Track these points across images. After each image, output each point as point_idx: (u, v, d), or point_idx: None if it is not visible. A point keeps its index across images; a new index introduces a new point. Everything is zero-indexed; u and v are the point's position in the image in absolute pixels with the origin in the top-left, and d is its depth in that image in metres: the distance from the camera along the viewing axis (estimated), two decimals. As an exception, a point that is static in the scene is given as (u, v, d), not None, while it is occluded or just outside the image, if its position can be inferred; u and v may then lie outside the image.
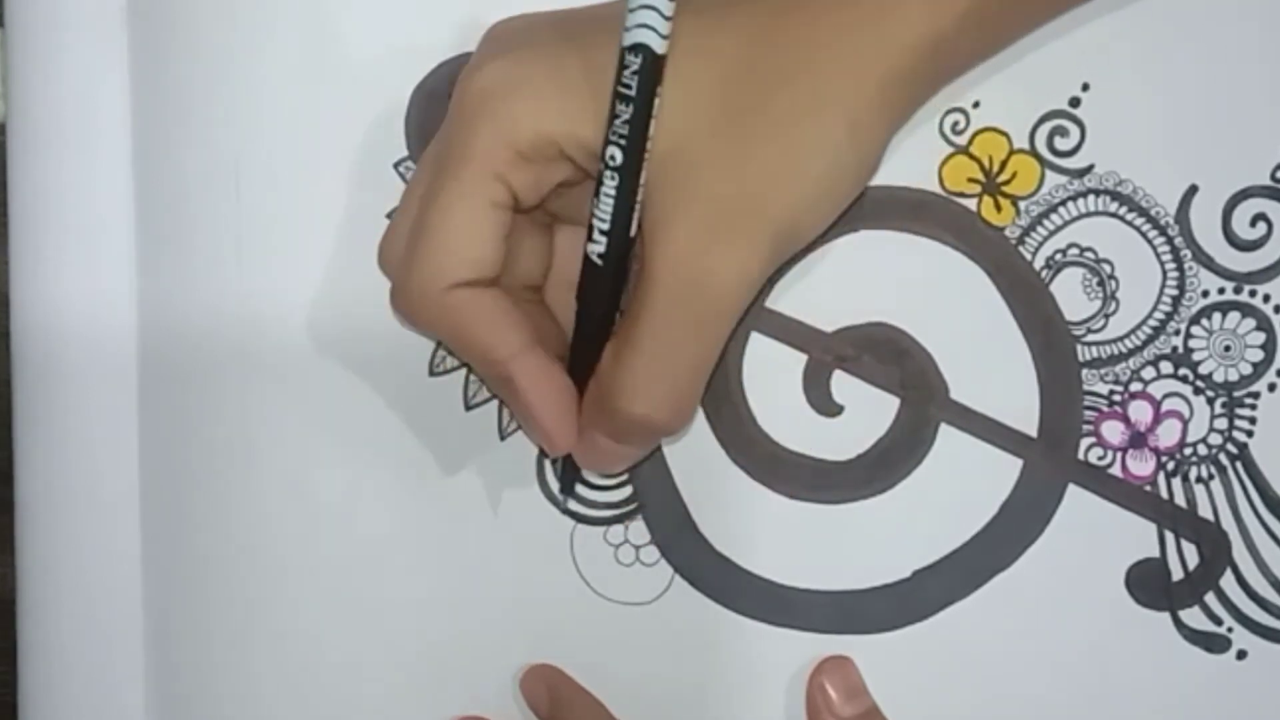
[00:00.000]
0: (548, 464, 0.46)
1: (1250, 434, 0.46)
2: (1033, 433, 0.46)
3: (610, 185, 0.37)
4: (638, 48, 0.36)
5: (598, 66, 0.38)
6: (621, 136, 0.37)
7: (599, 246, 0.39)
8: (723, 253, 0.38)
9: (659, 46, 0.36)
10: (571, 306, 0.41)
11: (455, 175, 0.38)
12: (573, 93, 0.38)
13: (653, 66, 0.36)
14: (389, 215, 0.45)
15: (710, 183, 0.38)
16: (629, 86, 0.36)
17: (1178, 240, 0.46)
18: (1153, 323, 0.46)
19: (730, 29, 0.39)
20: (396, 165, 0.45)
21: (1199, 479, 0.46)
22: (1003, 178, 0.46)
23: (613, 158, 0.37)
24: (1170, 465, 0.46)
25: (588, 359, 0.41)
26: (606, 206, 0.38)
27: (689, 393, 0.40)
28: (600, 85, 0.37)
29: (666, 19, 0.35)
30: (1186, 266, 0.46)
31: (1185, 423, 0.46)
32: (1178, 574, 0.46)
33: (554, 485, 0.46)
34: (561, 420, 0.40)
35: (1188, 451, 0.46)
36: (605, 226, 0.38)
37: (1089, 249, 0.46)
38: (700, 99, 0.38)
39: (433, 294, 0.39)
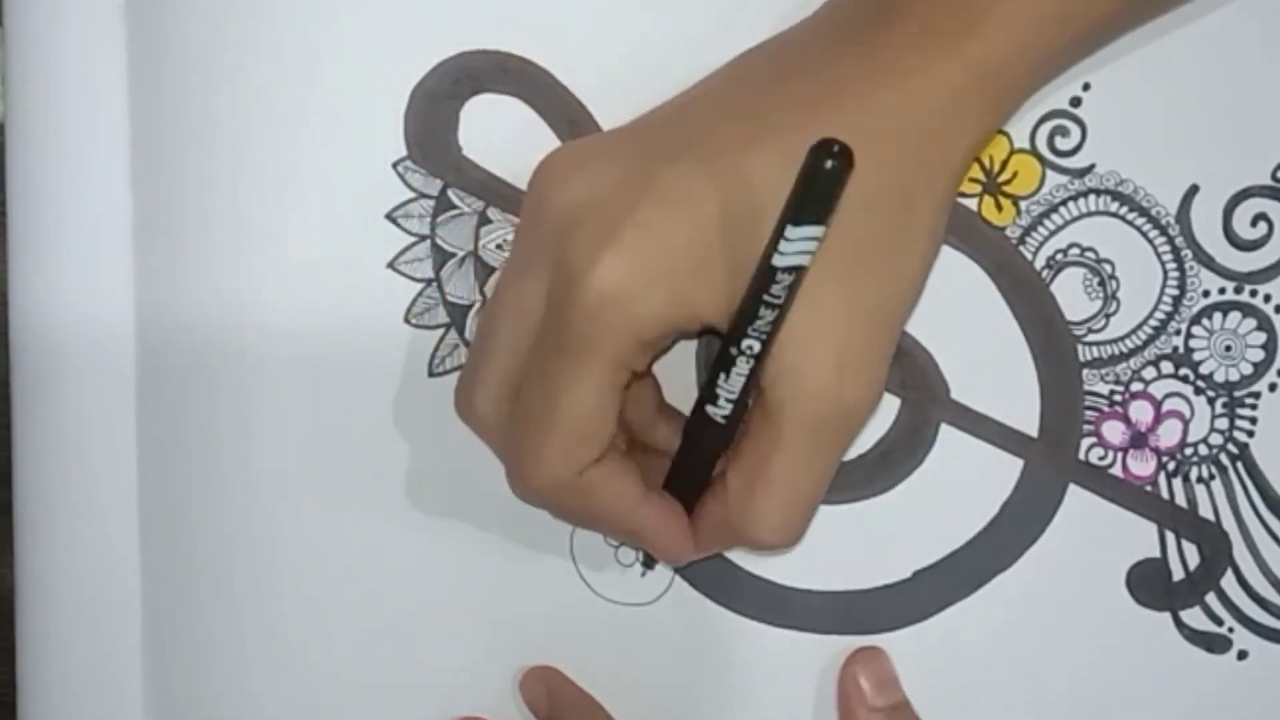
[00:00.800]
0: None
1: (1251, 434, 0.46)
2: (1033, 433, 0.46)
3: (744, 368, 0.39)
4: (793, 269, 0.36)
5: (713, 234, 0.38)
6: (763, 333, 0.38)
7: (723, 410, 0.40)
8: (856, 384, 0.39)
9: (810, 261, 0.37)
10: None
11: (583, 369, 0.38)
12: (697, 276, 0.38)
13: (801, 276, 0.37)
14: (388, 216, 0.45)
15: (830, 325, 0.39)
16: (778, 297, 0.37)
17: (1178, 240, 0.46)
18: (1153, 323, 0.46)
19: None
20: (395, 165, 0.45)
21: (1200, 479, 0.46)
22: (1003, 177, 0.46)
23: (750, 348, 0.38)
24: (1171, 465, 0.46)
25: (694, 482, 0.42)
26: (737, 383, 0.39)
27: (815, 511, 0.42)
28: (718, 254, 0.38)
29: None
30: (1187, 266, 0.46)
31: (1186, 423, 0.46)
32: (1178, 574, 0.46)
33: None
34: (679, 548, 0.42)
35: (1188, 451, 0.46)
36: (733, 398, 0.39)
37: (1090, 249, 0.46)
38: None
39: (567, 481, 0.40)
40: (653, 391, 0.44)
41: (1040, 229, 0.46)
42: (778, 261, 0.36)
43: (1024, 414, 0.46)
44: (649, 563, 0.46)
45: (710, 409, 0.40)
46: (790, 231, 0.35)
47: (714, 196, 0.38)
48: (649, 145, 0.40)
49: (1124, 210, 0.46)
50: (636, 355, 0.39)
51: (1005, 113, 0.41)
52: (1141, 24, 0.44)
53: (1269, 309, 0.46)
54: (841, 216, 0.37)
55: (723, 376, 0.39)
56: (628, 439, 0.43)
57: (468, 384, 0.42)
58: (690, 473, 0.42)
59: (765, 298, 0.37)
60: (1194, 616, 0.46)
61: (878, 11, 0.41)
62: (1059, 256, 0.46)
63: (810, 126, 0.36)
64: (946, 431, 0.46)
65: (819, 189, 0.35)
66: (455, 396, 0.42)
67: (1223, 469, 0.46)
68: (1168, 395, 0.46)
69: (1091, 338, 0.46)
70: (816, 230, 0.36)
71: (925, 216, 0.40)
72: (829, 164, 0.34)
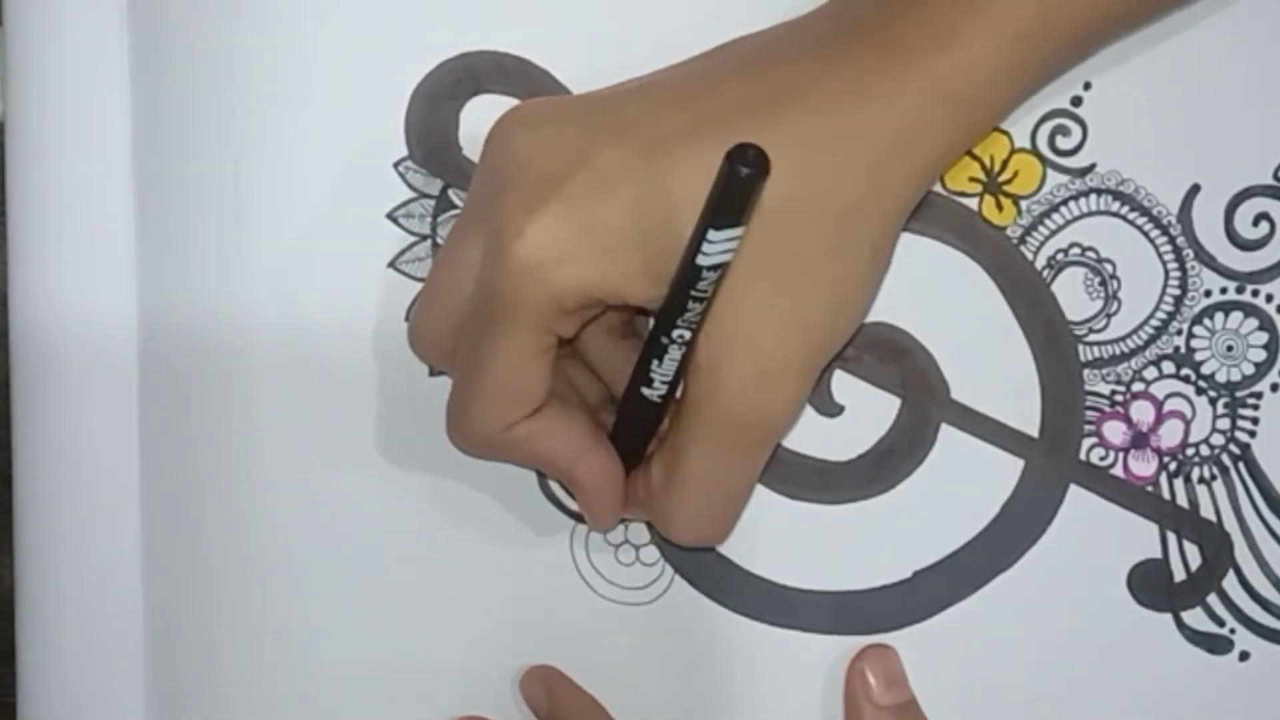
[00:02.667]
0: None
1: (1253, 434, 0.46)
2: (1034, 433, 0.46)
3: (676, 354, 0.39)
4: (719, 266, 0.37)
5: (641, 220, 0.38)
6: (691, 324, 0.38)
7: (658, 392, 0.40)
8: (775, 394, 0.40)
9: (732, 258, 0.37)
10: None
11: (505, 332, 0.39)
12: (618, 257, 0.39)
13: (725, 272, 0.37)
14: (389, 215, 0.45)
15: (755, 331, 0.39)
16: (705, 292, 0.37)
17: (1180, 240, 0.46)
18: (1155, 322, 0.46)
19: None
20: (396, 165, 0.45)
21: (1201, 479, 0.46)
22: (1004, 177, 0.46)
23: (681, 337, 0.39)
24: (1172, 466, 0.46)
25: (627, 460, 0.42)
26: (670, 368, 0.40)
27: (736, 513, 0.43)
28: (644, 239, 0.38)
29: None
30: (1189, 266, 0.46)
31: (1187, 423, 0.46)
32: (1180, 575, 0.46)
33: (554, 485, 0.46)
34: (613, 511, 0.43)
35: (1190, 452, 0.46)
36: (667, 379, 0.40)
37: (1091, 248, 0.46)
38: (743, 241, 0.38)
39: (493, 435, 0.41)
40: (599, 386, 0.44)
41: (1041, 229, 0.46)
42: (701, 261, 0.36)
43: (1025, 414, 0.46)
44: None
45: (645, 391, 0.40)
46: (711, 234, 0.36)
47: (643, 182, 0.38)
48: (597, 119, 0.40)
49: (1125, 210, 0.46)
50: (559, 321, 0.39)
51: (968, 134, 0.41)
52: (1120, 39, 0.44)
53: (1271, 309, 0.46)
54: (778, 223, 0.38)
55: (655, 362, 0.39)
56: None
57: (418, 318, 0.43)
58: (624, 450, 0.42)
59: (693, 293, 0.37)
60: (1195, 617, 0.46)
61: (850, 21, 0.41)
62: (1060, 256, 0.46)
63: (755, 126, 0.37)
64: (947, 431, 0.46)
65: (735, 194, 0.35)
66: (408, 332, 0.43)
67: (1224, 469, 0.46)
68: (1169, 395, 0.46)
69: (1092, 338, 0.46)
70: (736, 232, 0.36)
71: (867, 232, 0.40)
72: (744, 171, 0.34)
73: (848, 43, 0.40)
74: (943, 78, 0.39)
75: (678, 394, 0.41)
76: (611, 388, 0.44)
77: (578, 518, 0.46)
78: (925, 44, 0.39)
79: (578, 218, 0.38)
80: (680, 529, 0.42)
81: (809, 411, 0.46)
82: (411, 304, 0.45)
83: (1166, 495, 0.46)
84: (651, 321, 0.40)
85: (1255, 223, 0.46)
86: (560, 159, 0.39)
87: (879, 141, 0.39)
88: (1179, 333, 0.46)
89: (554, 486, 0.46)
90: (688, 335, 0.39)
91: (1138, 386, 0.46)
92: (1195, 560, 0.46)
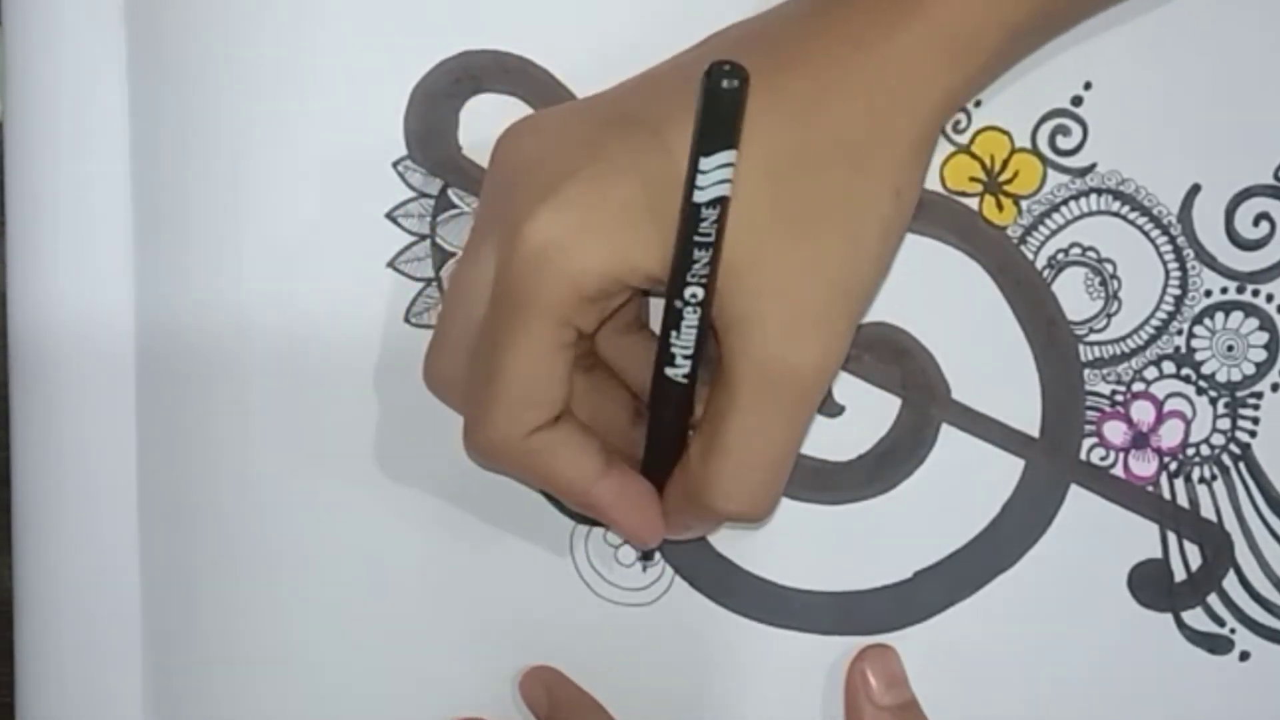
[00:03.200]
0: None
1: (1253, 434, 0.46)
2: (1034, 433, 0.46)
3: (692, 319, 0.38)
4: (716, 201, 0.36)
5: (655, 191, 0.38)
6: (702, 278, 0.37)
7: (682, 369, 0.39)
8: (807, 346, 0.39)
9: (730, 190, 0.36)
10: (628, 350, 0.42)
11: (524, 327, 0.38)
12: (635, 229, 0.38)
13: (725, 209, 0.36)
14: (388, 215, 0.45)
15: (780, 280, 0.38)
16: (708, 235, 0.36)
17: (1180, 240, 0.46)
18: (1155, 322, 0.46)
19: (765, 118, 0.38)
20: (395, 165, 0.45)
21: (1202, 479, 0.46)
22: (1004, 177, 0.46)
23: (694, 295, 0.37)
24: (1173, 466, 0.46)
25: (666, 457, 0.41)
26: (689, 337, 0.38)
27: (780, 483, 0.41)
28: (659, 209, 0.38)
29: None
30: (1189, 266, 0.46)
31: (1188, 423, 0.46)
32: (1180, 575, 0.46)
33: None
34: (647, 525, 0.41)
35: (1190, 452, 0.46)
36: (689, 353, 0.39)
37: (1091, 248, 0.46)
38: (752, 196, 0.38)
39: (514, 442, 0.40)
40: (628, 398, 0.43)
41: (1041, 228, 0.46)
42: (698, 197, 0.35)
43: (1025, 414, 0.46)
44: (646, 555, 0.45)
45: (669, 371, 0.39)
46: (703, 163, 0.35)
47: (653, 155, 0.38)
48: (601, 112, 0.40)
49: (1125, 210, 0.46)
50: (579, 310, 0.38)
51: (971, 77, 0.40)
52: (1116, 2, 0.44)
53: (1271, 309, 0.46)
54: (789, 168, 0.37)
55: (674, 334, 0.38)
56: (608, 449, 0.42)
57: (432, 353, 0.42)
58: (661, 447, 0.41)
59: (695, 238, 0.36)
60: (1196, 618, 0.46)
61: None
62: (1060, 256, 0.46)
63: (759, 92, 0.36)
64: (947, 431, 0.46)
65: (720, 113, 0.34)
66: (424, 370, 0.42)
67: (1225, 469, 0.46)
68: (1169, 395, 0.46)
69: (1093, 337, 0.46)
70: (728, 156, 0.35)
71: (884, 178, 0.39)
72: (724, 84, 0.33)
73: (842, 3, 0.40)
74: (937, 22, 0.39)
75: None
76: (637, 389, 0.43)
77: (578, 518, 0.46)
78: None
79: (590, 197, 0.38)
80: (721, 500, 0.40)
81: (809, 411, 0.46)
82: (411, 304, 0.45)
83: (1167, 495, 0.46)
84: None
85: (1256, 222, 0.46)
86: (569, 154, 0.39)
87: (881, 86, 0.39)
88: (1179, 333, 0.46)
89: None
90: (700, 294, 0.37)
91: (1138, 386, 0.46)
92: (1196, 560, 0.46)
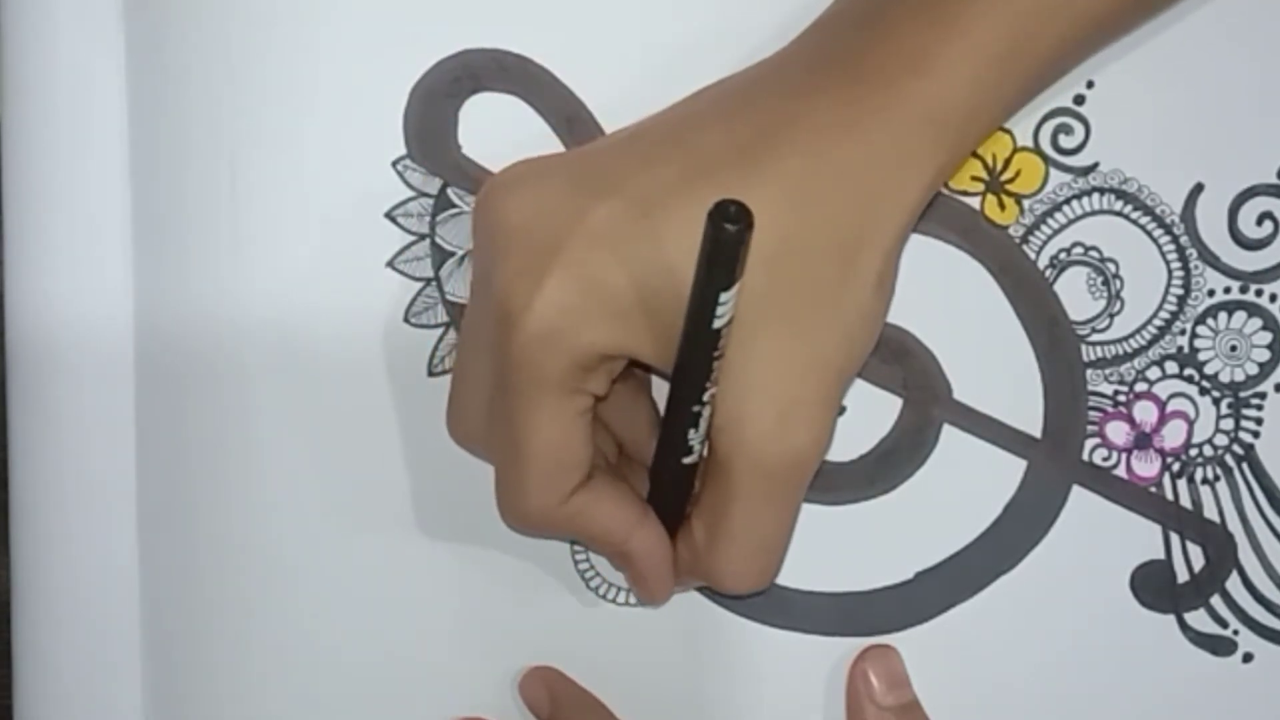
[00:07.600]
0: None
1: (1257, 435, 0.46)
2: (1037, 433, 0.46)
3: (707, 413, 0.39)
4: (723, 328, 0.37)
5: (646, 285, 0.38)
6: (713, 382, 0.38)
7: (692, 457, 0.40)
8: (801, 435, 0.40)
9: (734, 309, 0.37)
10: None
11: (538, 402, 0.39)
12: (627, 319, 0.39)
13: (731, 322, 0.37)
14: (387, 214, 0.45)
15: (772, 376, 0.39)
16: (721, 349, 0.37)
17: (1183, 239, 0.46)
18: (1158, 322, 0.46)
19: (757, 202, 0.37)
20: (395, 164, 0.45)
21: (1204, 480, 0.46)
22: (1006, 176, 0.45)
23: (710, 396, 0.39)
24: (1176, 466, 0.46)
25: (667, 526, 0.42)
26: (702, 428, 0.39)
27: (783, 554, 0.42)
28: (651, 303, 0.38)
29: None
30: (1192, 265, 0.46)
31: (1191, 423, 0.46)
32: (1183, 576, 0.46)
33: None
34: (666, 583, 0.43)
35: (1193, 452, 0.46)
36: (698, 442, 0.40)
37: (1093, 248, 0.46)
38: (747, 286, 0.38)
39: (553, 510, 0.40)
40: (646, 408, 0.44)
41: (1044, 228, 0.46)
42: (717, 324, 0.36)
43: (1027, 414, 0.46)
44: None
45: (685, 459, 0.40)
46: (722, 296, 0.36)
47: (639, 242, 0.38)
48: (585, 176, 0.40)
49: (1128, 209, 0.46)
50: (588, 380, 0.39)
51: (958, 155, 0.41)
52: (1102, 48, 0.44)
53: (1275, 308, 0.46)
54: (779, 263, 0.38)
55: (692, 431, 0.39)
56: (619, 449, 0.43)
57: (452, 409, 0.43)
58: (665, 521, 0.42)
59: (714, 354, 0.37)
60: (1199, 619, 0.46)
61: (827, 54, 0.41)
62: (1062, 256, 0.46)
63: (743, 173, 0.37)
64: (949, 432, 0.46)
65: (726, 253, 0.35)
66: (446, 423, 0.43)
67: (1228, 470, 0.46)
68: (1172, 396, 0.46)
69: (1095, 337, 0.46)
70: (736, 287, 0.36)
71: (870, 266, 0.40)
72: (729, 229, 0.34)
73: (827, 75, 0.40)
74: (926, 104, 0.39)
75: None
76: (619, 434, 0.43)
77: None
78: (903, 70, 0.39)
79: (581, 282, 0.38)
80: (731, 583, 0.42)
81: (810, 412, 0.46)
82: (410, 303, 0.45)
83: (1170, 496, 0.46)
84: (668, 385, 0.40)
85: (1259, 222, 0.46)
86: (552, 221, 0.39)
87: (871, 173, 0.40)
88: (1182, 333, 0.46)
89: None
90: (713, 390, 0.39)
91: (1141, 387, 0.46)
92: (1198, 561, 0.46)
